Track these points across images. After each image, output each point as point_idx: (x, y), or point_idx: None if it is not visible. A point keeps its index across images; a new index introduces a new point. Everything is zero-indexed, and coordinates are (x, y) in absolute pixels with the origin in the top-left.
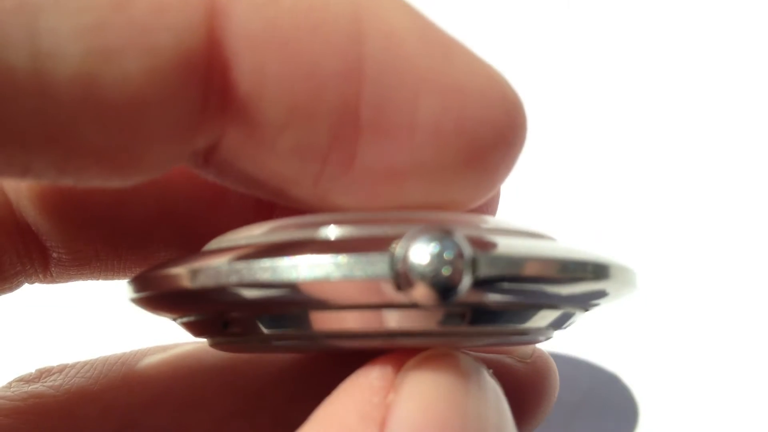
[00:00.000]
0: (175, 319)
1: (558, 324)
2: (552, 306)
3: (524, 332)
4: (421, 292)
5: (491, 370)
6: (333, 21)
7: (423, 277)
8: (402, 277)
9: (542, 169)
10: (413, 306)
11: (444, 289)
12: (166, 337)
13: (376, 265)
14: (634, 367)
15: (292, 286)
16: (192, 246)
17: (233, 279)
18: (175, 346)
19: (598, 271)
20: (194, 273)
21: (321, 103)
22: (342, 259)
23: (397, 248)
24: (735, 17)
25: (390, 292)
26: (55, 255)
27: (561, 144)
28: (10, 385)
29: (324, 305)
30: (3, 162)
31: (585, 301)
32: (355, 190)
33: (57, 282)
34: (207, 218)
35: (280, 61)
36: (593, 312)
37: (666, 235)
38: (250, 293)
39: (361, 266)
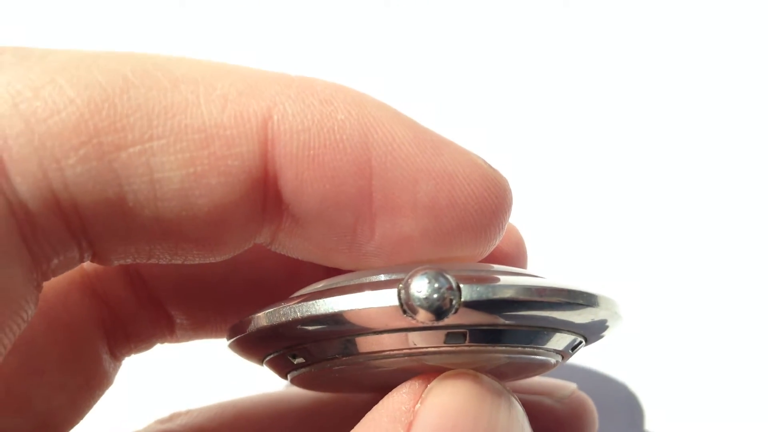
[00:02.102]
0: (261, 363)
1: (555, 343)
2: (534, 326)
3: (524, 352)
4: (422, 315)
5: (515, 393)
6: (347, 138)
7: (421, 303)
8: (407, 305)
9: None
10: (424, 328)
11: (438, 310)
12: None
13: (388, 297)
14: (635, 373)
15: (332, 318)
16: None
17: (295, 315)
18: (278, 393)
19: (572, 296)
20: (264, 316)
21: (343, 195)
22: (366, 295)
23: (402, 284)
24: (734, 21)
25: (401, 317)
26: (178, 321)
27: (560, 150)
28: (149, 426)
29: (357, 331)
30: (135, 251)
31: (563, 324)
32: (381, 253)
33: (181, 341)
34: (292, 284)
35: (312, 170)
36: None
37: (662, 243)
38: (306, 326)
39: (378, 298)
